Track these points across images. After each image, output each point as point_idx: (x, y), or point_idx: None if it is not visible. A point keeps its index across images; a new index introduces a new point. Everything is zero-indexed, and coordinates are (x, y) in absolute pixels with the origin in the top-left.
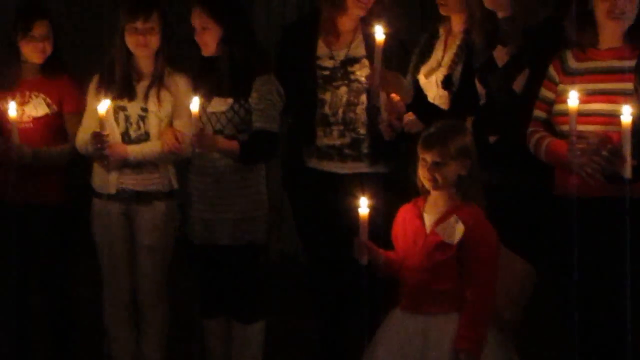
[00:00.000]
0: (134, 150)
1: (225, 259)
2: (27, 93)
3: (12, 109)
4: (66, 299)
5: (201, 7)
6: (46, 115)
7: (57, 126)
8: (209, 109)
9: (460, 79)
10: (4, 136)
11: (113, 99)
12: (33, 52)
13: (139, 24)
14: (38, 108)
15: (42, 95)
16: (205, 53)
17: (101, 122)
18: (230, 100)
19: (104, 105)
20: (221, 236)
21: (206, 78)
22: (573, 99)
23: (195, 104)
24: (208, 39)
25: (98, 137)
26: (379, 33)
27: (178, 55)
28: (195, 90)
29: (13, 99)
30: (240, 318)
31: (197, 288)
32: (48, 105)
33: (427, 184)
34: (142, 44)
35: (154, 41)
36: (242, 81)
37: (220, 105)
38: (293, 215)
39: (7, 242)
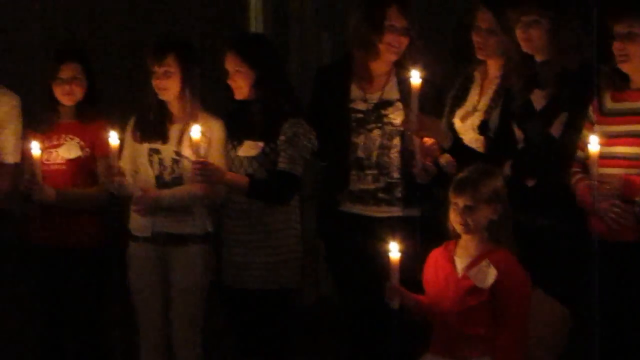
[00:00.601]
0: (168, 194)
1: (256, 303)
2: (62, 136)
3: (36, 149)
4: (100, 343)
5: (235, 51)
6: (78, 158)
7: (89, 169)
8: (240, 153)
9: (497, 123)
10: (30, 176)
11: (147, 141)
12: (61, 94)
13: (155, 68)
14: (71, 150)
15: (76, 139)
16: (238, 96)
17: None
18: (261, 144)
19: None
20: (252, 280)
21: (238, 121)
22: (593, 144)
23: (195, 132)
24: (241, 83)
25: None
26: (415, 77)
27: (211, 98)
28: (230, 133)
29: (48, 141)
30: None
31: (230, 331)
32: (81, 148)
33: (459, 228)
34: (160, 87)
35: (172, 84)
36: (273, 125)
37: (251, 149)
38: (327, 258)
39: (38, 285)
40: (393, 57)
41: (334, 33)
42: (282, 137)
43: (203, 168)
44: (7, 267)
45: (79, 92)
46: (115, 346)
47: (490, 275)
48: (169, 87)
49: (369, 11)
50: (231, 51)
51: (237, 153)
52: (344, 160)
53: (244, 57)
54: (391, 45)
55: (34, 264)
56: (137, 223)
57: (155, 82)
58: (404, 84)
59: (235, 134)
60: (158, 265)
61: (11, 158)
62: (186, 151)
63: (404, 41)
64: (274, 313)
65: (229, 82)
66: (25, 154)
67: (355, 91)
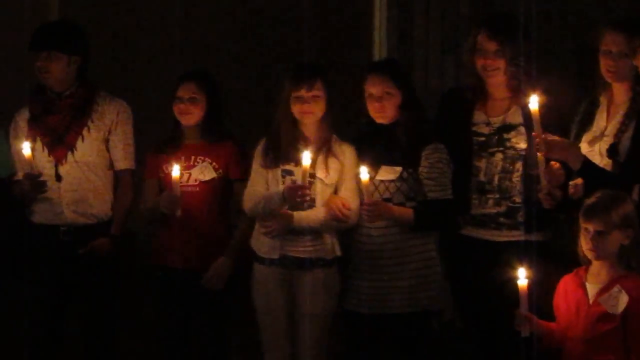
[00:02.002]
0: (300, 217)
1: (398, 327)
2: (193, 157)
3: (176, 171)
4: None
5: (383, 74)
6: (213, 180)
7: (222, 190)
8: (378, 177)
9: (629, 146)
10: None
11: (281, 164)
12: (178, 113)
13: (303, 92)
14: (205, 172)
15: (208, 160)
16: (381, 120)
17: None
18: (399, 169)
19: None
20: (394, 304)
21: (374, 146)
22: None
23: (364, 173)
24: (388, 105)
25: (295, 189)
26: (533, 103)
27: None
28: (363, 158)
29: (177, 162)
30: None
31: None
32: (215, 169)
33: (589, 254)
34: (307, 111)
35: (319, 109)
36: (412, 149)
37: (389, 173)
38: (449, 282)
39: (162, 306)
40: (493, 81)
41: (458, 56)
42: (424, 163)
43: (375, 208)
44: (129, 287)
45: (196, 112)
46: None
47: (622, 301)
48: (315, 110)
49: (469, 38)
50: (379, 74)
51: (374, 177)
52: (465, 184)
53: (395, 79)
54: (485, 69)
55: (158, 285)
56: (264, 245)
57: (302, 107)
58: (526, 108)
59: (371, 158)
60: (284, 288)
61: (122, 164)
62: (320, 174)
63: (499, 64)
64: (417, 336)
65: (374, 104)
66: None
67: (478, 114)
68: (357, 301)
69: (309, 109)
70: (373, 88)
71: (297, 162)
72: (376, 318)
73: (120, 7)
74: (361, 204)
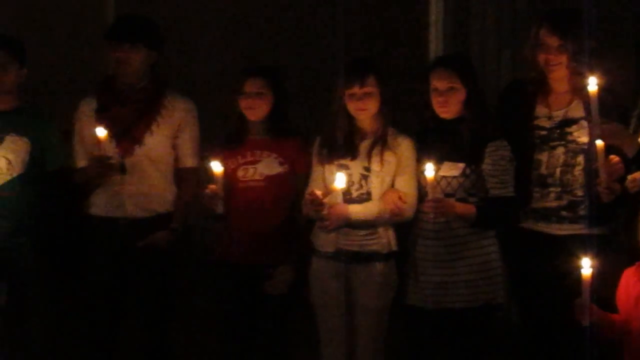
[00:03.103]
0: (355, 211)
1: (460, 322)
2: (258, 152)
3: (218, 166)
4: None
5: (449, 68)
6: (278, 175)
7: (288, 185)
8: (440, 173)
9: None
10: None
11: (336, 158)
12: (244, 108)
13: (355, 90)
14: (271, 167)
15: (274, 155)
16: (445, 115)
17: (333, 192)
18: (461, 165)
19: (341, 181)
20: (456, 298)
21: (437, 141)
22: None
23: (430, 170)
24: (453, 100)
25: (313, 203)
26: (592, 84)
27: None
28: (426, 153)
29: (242, 157)
30: None
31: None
32: (280, 164)
33: None
34: (360, 108)
35: (372, 105)
36: (475, 146)
37: (451, 169)
38: (509, 274)
39: (223, 301)
40: (555, 75)
41: (515, 50)
42: (487, 160)
43: (439, 205)
44: (188, 282)
45: (262, 108)
46: None
47: None
48: (368, 107)
49: (531, 33)
50: (443, 68)
51: (436, 173)
52: (526, 178)
53: (459, 73)
54: (548, 64)
55: (220, 280)
56: (321, 239)
57: (355, 104)
58: (584, 92)
59: (434, 154)
60: (341, 282)
61: (190, 162)
62: (375, 167)
63: (561, 59)
64: (479, 330)
65: (439, 99)
66: (208, 170)
67: (540, 108)
68: (417, 296)
69: (363, 106)
70: (438, 82)
71: (353, 157)
72: (437, 313)
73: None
74: (425, 200)
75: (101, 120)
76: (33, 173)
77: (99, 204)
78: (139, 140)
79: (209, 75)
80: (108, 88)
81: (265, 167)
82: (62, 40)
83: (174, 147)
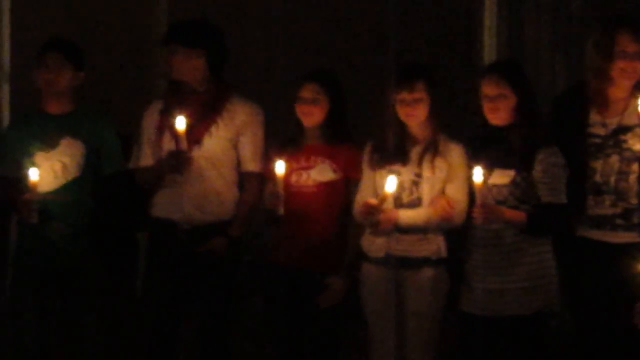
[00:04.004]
0: (405, 216)
1: (513, 330)
2: (312, 157)
3: (280, 167)
4: None
5: (500, 75)
6: (331, 182)
7: (341, 192)
8: (491, 181)
9: None
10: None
11: (387, 164)
12: (300, 113)
13: (405, 95)
14: (324, 173)
15: (327, 161)
16: (496, 121)
17: (383, 196)
18: (512, 172)
19: (392, 184)
20: (509, 306)
21: (487, 148)
22: None
23: (478, 175)
24: (503, 107)
25: (372, 209)
26: None
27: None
28: (476, 160)
29: (296, 162)
30: None
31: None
32: (334, 170)
33: None
34: (410, 114)
35: (422, 111)
36: (526, 153)
37: (502, 177)
38: (562, 282)
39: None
40: (628, 83)
41: (569, 57)
42: (537, 167)
43: (487, 210)
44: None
45: (317, 114)
46: None
47: None
48: (418, 113)
49: (599, 38)
50: (496, 75)
51: (487, 181)
52: (581, 186)
53: (510, 81)
54: (624, 71)
55: (272, 284)
56: (371, 244)
57: (405, 109)
58: None
59: (484, 161)
60: (391, 287)
61: (251, 166)
62: (426, 173)
63: (638, 66)
64: (533, 338)
65: (490, 106)
66: (270, 173)
67: (594, 116)
68: (471, 302)
69: (412, 112)
70: (488, 88)
71: (404, 163)
72: (491, 320)
73: (225, 5)
74: (474, 205)
75: (164, 122)
76: (89, 177)
77: (161, 205)
78: (197, 141)
79: (261, 80)
80: (174, 91)
81: (318, 174)
82: (121, 45)
83: (237, 150)
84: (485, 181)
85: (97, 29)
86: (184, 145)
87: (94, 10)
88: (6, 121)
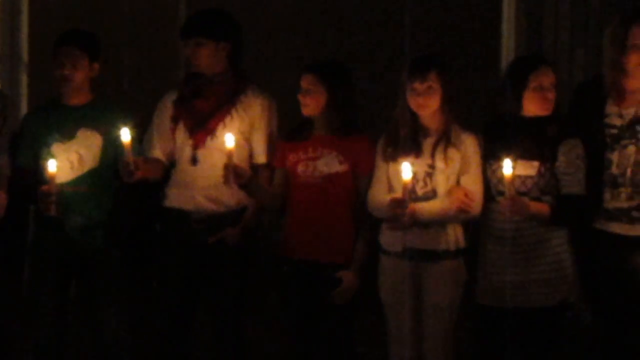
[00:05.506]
0: (422, 209)
1: (532, 321)
2: (320, 149)
3: (230, 141)
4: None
5: (550, 66)
6: (337, 173)
7: (346, 184)
8: (515, 172)
9: None
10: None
11: (400, 156)
12: (301, 104)
13: (417, 85)
14: (330, 165)
15: (334, 152)
16: (546, 112)
17: (404, 187)
18: (536, 164)
19: (408, 171)
20: (531, 298)
21: (510, 139)
22: None
23: (508, 167)
24: (552, 97)
25: (398, 203)
26: None
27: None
28: (498, 151)
29: (304, 152)
30: None
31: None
32: (340, 162)
33: None
34: (421, 104)
35: (433, 101)
36: (550, 144)
37: (526, 168)
38: (580, 274)
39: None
40: None
41: (588, 49)
42: (561, 158)
43: (514, 203)
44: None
45: (312, 105)
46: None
47: None
48: (430, 104)
49: (614, 31)
50: (549, 66)
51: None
52: (597, 178)
53: (554, 70)
54: (639, 65)
55: (283, 276)
56: (388, 237)
57: (416, 99)
58: None
59: (507, 152)
60: (410, 280)
61: (261, 158)
62: (439, 165)
63: None
64: (552, 329)
65: (547, 95)
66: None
67: (610, 107)
68: (489, 295)
69: (423, 102)
70: (545, 78)
71: (417, 154)
72: (509, 312)
73: None
74: (503, 197)
75: (178, 112)
76: (106, 168)
77: (172, 196)
78: (211, 132)
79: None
80: (189, 81)
81: (324, 165)
82: (138, 37)
83: (248, 142)
84: (513, 173)
85: (118, 18)
86: (128, 157)
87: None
88: (24, 112)
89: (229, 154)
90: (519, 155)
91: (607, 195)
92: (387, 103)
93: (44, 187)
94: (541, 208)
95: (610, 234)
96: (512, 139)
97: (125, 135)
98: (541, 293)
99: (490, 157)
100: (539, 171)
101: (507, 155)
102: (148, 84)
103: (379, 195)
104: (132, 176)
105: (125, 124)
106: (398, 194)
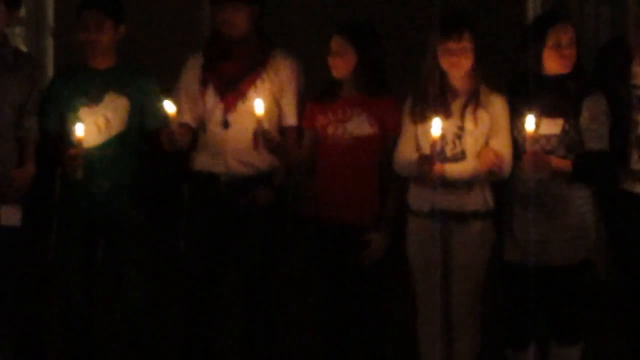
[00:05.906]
0: (451, 169)
1: (557, 279)
2: (349, 110)
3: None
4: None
5: (567, 21)
6: (367, 136)
7: (376, 146)
8: (540, 131)
9: None
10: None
11: (429, 117)
12: (331, 66)
13: (451, 44)
14: (361, 127)
15: (364, 114)
16: (567, 69)
17: (433, 143)
18: (560, 121)
19: (437, 127)
20: (556, 255)
21: (534, 97)
22: None
23: (531, 123)
24: (573, 54)
25: (426, 160)
26: None
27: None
28: (521, 109)
29: (333, 114)
30: (563, 339)
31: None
32: (370, 124)
33: None
34: (455, 64)
35: (467, 61)
36: (576, 101)
37: (550, 126)
38: (608, 236)
39: (315, 261)
40: None
41: (613, 9)
42: (585, 114)
43: (536, 159)
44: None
45: (341, 66)
46: (395, 319)
47: None
48: (463, 63)
49: None
50: (565, 22)
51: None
52: (624, 139)
53: (573, 28)
54: None
55: (312, 238)
56: (417, 198)
57: (450, 59)
58: None
59: (531, 110)
60: (438, 241)
61: (290, 121)
62: (469, 126)
63: None
64: (576, 287)
65: (565, 52)
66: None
67: (636, 67)
68: (515, 253)
69: (458, 62)
70: (564, 35)
71: (446, 115)
72: (535, 270)
73: None
74: (524, 154)
75: (207, 76)
76: (132, 132)
77: (202, 160)
78: (243, 95)
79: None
80: (215, 43)
81: (355, 127)
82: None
83: (278, 105)
84: (536, 130)
85: None
86: (173, 126)
87: None
88: (51, 75)
89: (259, 120)
90: (543, 112)
91: (634, 157)
92: (412, 65)
93: (71, 151)
94: (563, 164)
95: (637, 195)
96: (535, 97)
97: (170, 107)
98: (564, 251)
99: (514, 116)
100: (563, 128)
101: (530, 112)
102: (173, 48)
103: (407, 153)
104: (176, 144)
105: (154, 89)
106: (426, 151)
